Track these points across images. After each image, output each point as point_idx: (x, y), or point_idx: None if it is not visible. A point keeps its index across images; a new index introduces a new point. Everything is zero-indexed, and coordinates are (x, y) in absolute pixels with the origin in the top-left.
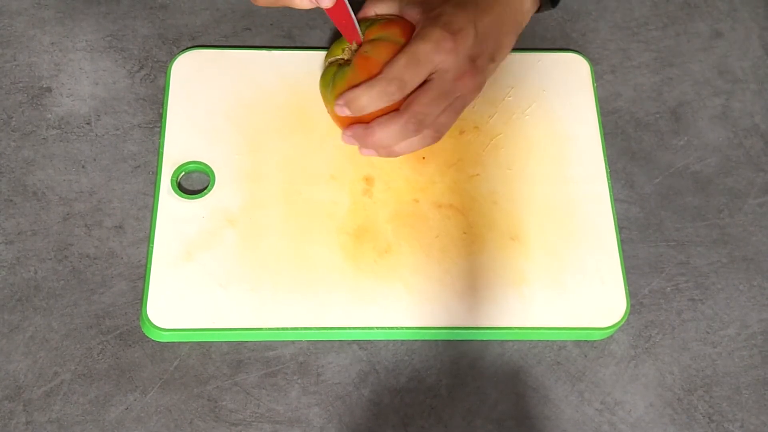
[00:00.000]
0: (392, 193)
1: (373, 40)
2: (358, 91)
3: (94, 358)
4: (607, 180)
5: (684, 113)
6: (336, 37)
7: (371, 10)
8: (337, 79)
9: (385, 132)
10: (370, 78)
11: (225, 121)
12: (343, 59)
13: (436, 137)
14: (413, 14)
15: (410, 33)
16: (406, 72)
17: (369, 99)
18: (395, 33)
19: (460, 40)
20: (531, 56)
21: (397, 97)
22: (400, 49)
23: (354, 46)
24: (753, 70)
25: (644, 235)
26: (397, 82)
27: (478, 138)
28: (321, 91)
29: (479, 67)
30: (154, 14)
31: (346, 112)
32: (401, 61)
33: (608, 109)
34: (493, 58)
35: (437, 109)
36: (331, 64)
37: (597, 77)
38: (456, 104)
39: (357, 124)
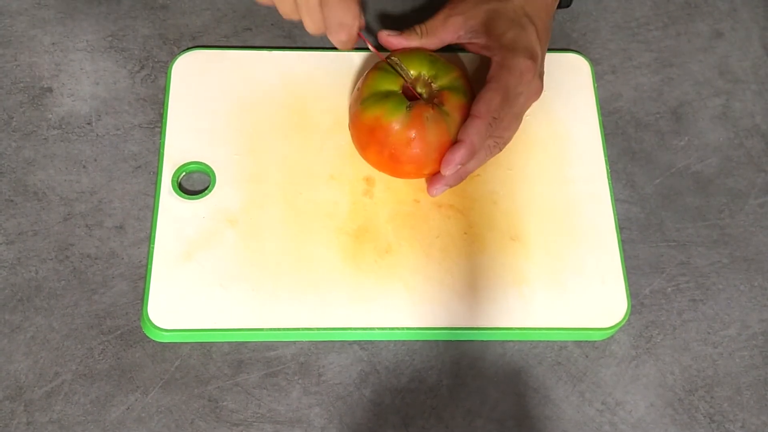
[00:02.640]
0: (392, 193)
1: (445, 89)
2: (466, 144)
3: (95, 359)
4: (608, 180)
5: (684, 113)
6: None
7: (418, 42)
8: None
9: (476, 163)
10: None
11: (225, 121)
12: (415, 95)
13: (498, 151)
14: (489, 43)
15: (466, 76)
16: (500, 109)
17: (479, 140)
18: (459, 79)
19: (537, 65)
20: None
21: (492, 131)
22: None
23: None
24: (753, 70)
25: (645, 235)
26: (494, 121)
27: None
28: (383, 124)
29: (542, 78)
30: (154, 14)
31: (459, 169)
32: (496, 98)
33: (609, 109)
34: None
35: (513, 130)
36: (387, 97)
37: (597, 77)
38: (521, 117)
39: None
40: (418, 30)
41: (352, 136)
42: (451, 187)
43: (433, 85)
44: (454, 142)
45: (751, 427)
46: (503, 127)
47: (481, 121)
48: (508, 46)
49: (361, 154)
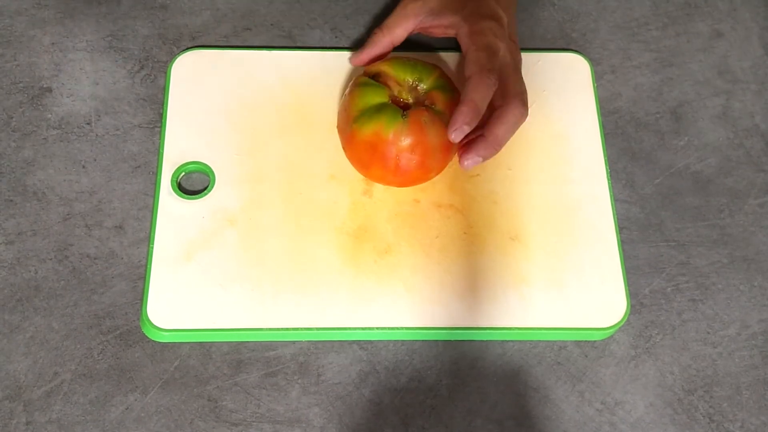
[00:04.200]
0: (392, 193)
1: (431, 90)
2: (466, 103)
3: (95, 359)
4: (608, 180)
5: (684, 113)
6: (335, 40)
7: (387, 40)
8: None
9: (505, 126)
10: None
11: (225, 121)
12: (404, 102)
13: (527, 110)
14: (451, 20)
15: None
16: (490, 62)
17: (479, 97)
18: (442, 77)
19: (504, 27)
20: (531, 56)
21: (492, 87)
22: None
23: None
24: (753, 70)
25: (644, 235)
26: (489, 74)
27: None
28: (376, 133)
29: (516, 42)
30: (154, 14)
31: (466, 130)
32: (482, 55)
33: (608, 109)
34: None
35: (522, 81)
36: (381, 109)
37: (597, 77)
38: (520, 72)
39: (479, 139)
40: (379, 33)
41: (350, 157)
42: (485, 159)
43: (420, 88)
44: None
45: (750, 427)
46: (514, 81)
47: (476, 76)
48: (470, 16)
49: (363, 173)
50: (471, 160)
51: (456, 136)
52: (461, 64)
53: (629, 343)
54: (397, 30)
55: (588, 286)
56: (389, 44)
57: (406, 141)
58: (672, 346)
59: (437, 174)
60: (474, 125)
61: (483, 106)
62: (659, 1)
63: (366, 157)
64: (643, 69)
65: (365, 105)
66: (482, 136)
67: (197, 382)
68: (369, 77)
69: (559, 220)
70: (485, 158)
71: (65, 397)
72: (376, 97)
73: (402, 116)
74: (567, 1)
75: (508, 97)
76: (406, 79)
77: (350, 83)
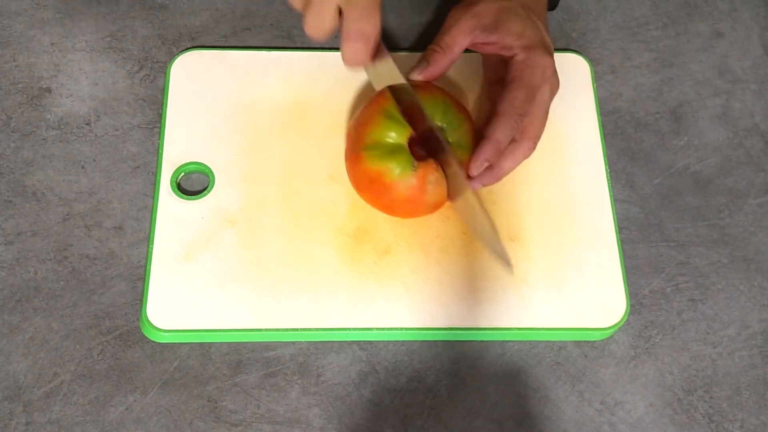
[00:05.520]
0: None
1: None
2: (492, 141)
3: (94, 359)
4: (607, 180)
5: (684, 113)
6: (335, 40)
7: (447, 60)
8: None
9: (512, 162)
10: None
11: (225, 122)
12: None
13: (534, 150)
14: (509, 42)
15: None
16: (525, 106)
17: (505, 137)
18: (467, 133)
19: (553, 60)
20: None
21: (517, 129)
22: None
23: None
24: (753, 70)
25: (644, 235)
26: (519, 118)
27: None
28: (384, 174)
29: (557, 73)
30: (153, 14)
31: (486, 166)
32: (521, 96)
33: (608, 109)
34: None
35: (544, 126)
36: (392, 151)
37: (597, 77)
38: (548, 112)
39: (487, 171)
40: (440, 52)
41: (349, 171)
42: (486, 186)
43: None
44: (480, 138)
45: (750, 426)
46: (537, 124)
47: (507, 118)
48: (528, 45)
49: (355, 189)
50: (473, 187)
51: (476, 170)
52: (484, 64)
53: (629, 343)
54: (456, 48)
55: (588, 286)
56: (450, 63)
57: (404, 192)
58: (672, 346)
59: (423, 215)
60: (493, 162)
61: (505, 145)
62: (659, 1)
63: (363, 184)
64: (643, 69)
65: (382, 138)
66: (489, 165)
67: (197, 383)
68: (400, 102)
69: (559, 220)
70: (486, 186)
71: (65, 397)
72: (395, 134)
73: (412, 167)
74: (567, 1)
75: (525, 138)
76: (434, 121)
77: (377, 92)
